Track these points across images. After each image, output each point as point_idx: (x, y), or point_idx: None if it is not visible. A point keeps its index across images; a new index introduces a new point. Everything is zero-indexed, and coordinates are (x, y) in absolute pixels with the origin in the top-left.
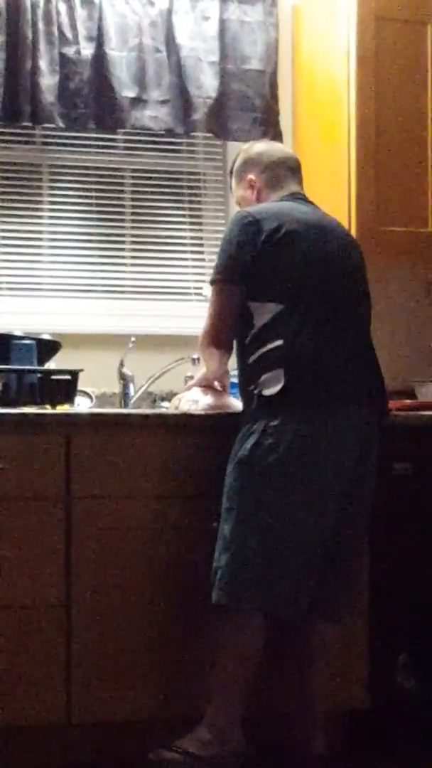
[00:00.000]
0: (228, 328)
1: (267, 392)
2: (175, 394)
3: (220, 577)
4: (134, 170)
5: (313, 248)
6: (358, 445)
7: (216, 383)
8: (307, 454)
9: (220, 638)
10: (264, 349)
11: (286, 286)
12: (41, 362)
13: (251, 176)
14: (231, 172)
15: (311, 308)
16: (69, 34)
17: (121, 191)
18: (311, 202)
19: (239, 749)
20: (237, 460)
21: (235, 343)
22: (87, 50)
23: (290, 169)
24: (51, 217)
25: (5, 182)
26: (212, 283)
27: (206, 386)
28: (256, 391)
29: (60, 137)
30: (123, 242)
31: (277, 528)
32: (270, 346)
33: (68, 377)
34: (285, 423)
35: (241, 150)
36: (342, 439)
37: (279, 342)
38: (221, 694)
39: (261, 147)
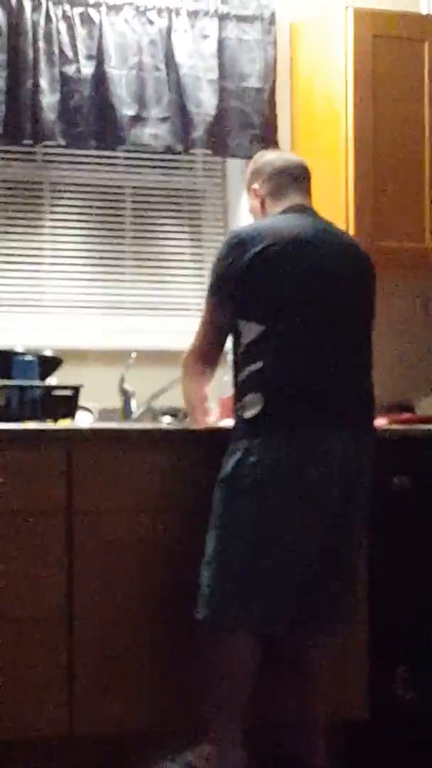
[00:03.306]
0: (213, 347)
1: (247, 415)
2: (176, 410)
3: (202, 594)
4: (134, 187)
5: (301, 267)
6: (346, 468)
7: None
8: (287, 473)
9: (215, 655)
10: (247, 371)
11: (267, 307)
12: (43, 378)
13: (255, 186)
14: None
15: (293, 330)
16: (69, 53)
17: (122, 208)
18: (314, 213)
19: (241, 763)
20: (221, 478)
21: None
22: (87, 69)
23: (293, 177)
24: (52, 234)
25: (6, 199)
26: (205, 302)
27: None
28: (239, 413)
29: (61, 155)
30: (123, 258)
31: (258, 546)
32: (253, 367)
33: (70, 393)
34: (266, 443)
35: (252, 160)
36: (325, 462)
37: (260, 364)
38: (221, 708)
39: (268, 156)
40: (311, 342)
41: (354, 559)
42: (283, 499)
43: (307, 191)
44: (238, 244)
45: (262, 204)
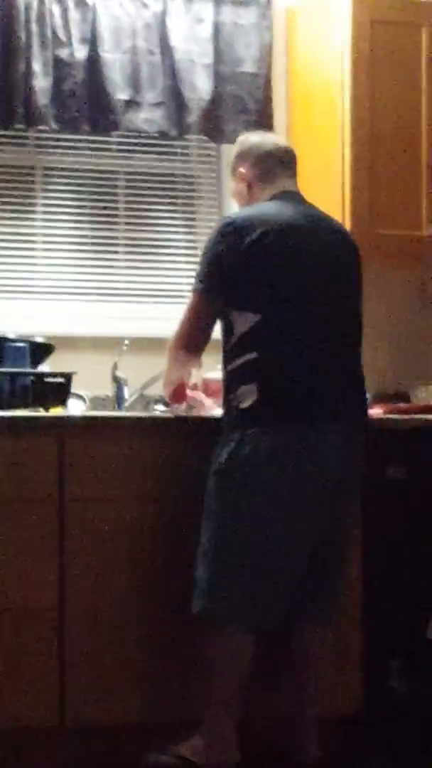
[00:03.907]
0: (200, 335)
1: (242, 405)
2: None
3: (198, 587)
4: (128, 173)
5: (295, 256)
6: (339, 460)
7: (182, 386)
8: (282, 464)
9: (209, 648)
10: (241, 360)
11: (263, 297)
12: (34, 365)
13: (242, 169)
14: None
15: (289, 320)
16: (63, 37)
17: (115, 194)
18: (303, 199)
19: (233, 756)
20: (214, 470)
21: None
22: (80, 52)
23: (281, 162)
24: (45, 220)
25: None
26: (193, 290)
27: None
28: (233, 403)
29: (54, 139)
30: (117, 245)
31: (253, 538)
32: (246, 357)
33: (61, 380)
34: (261, 434)
35: (236, 142)
36: (320, 453)
37: (254, 354)
38: (214, 702)
39: (253, 139)
40: (306, 332)
41: (345, 548)
42: (277, 491)
43: (294, 176)
44: (232, 232)
45: (249, 188)
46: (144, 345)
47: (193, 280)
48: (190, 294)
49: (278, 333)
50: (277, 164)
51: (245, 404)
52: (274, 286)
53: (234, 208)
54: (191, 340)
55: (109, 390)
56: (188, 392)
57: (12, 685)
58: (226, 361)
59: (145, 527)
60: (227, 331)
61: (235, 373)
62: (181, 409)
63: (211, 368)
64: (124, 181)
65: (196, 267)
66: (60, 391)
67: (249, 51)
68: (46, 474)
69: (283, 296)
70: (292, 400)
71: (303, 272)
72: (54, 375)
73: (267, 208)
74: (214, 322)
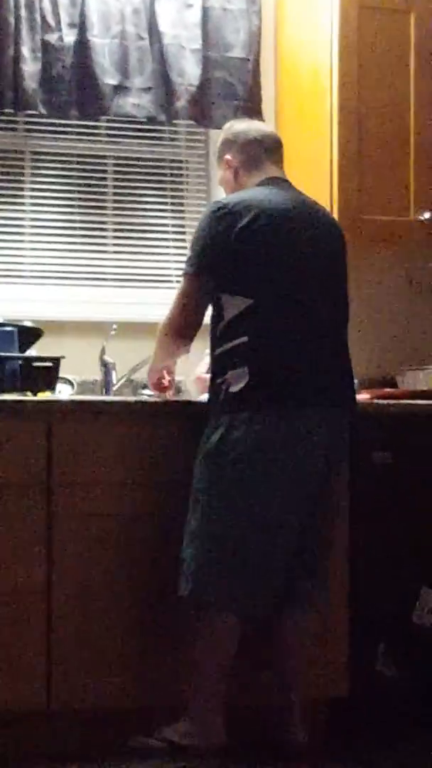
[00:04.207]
0: (191, 320)
1: (233, 389)
2: None
3: (185, 570)
4: (117, 158)
5: (287, 241)
6: (326, 444)
7: (165, 374)
8: (272, 448)
9: (195, 632)
10: (231, 344)
11: (255, 281)
12: (22, 349)
13: (228, 156)
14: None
15: (280, 304)
16: (51, 21)
17: (104, 179)
18: (290, 185)
19: (220, 739)
20: (203, 454)
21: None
22: (69, 37)
23: (267, 149)
24: (33, 204)
25: None
26: (183, 274)
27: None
28: (223, 387)
29: (42, 124)
30: (105, 230)
31: (242, 522)
32: (237, 341)
33: (50, 364)
34: (251, 417)
35: (222, 130)
36: (309, 438)
37: (245, 339)
38: (200, 685)
39: (239, 126)
40: (296, 316)
41: (332, 532)
42: (266, 475)
43: (281, 162)
44: (223, 217)
45: (235, 175)
46: (132, 329)
47: (183, 265)
48: (180, 279)
49: (269, 317)
50: (264, 151)
51: (235, 388)
52: (266, 271)
53: (221, 193)
54: (183, 326)
55: (97, 374)
56: (200, 376)
57: None
58: (215, 345)
59: (133, 511)
60: (216, 316)
61: (224, 357)
62: (165, 397)
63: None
64: (113, 166)
65: (187, 251)
66: (48, 376)
67: (238, 36)
68: (34, 458)
69: (274, 281)
70: (282, 385)
71: (294, 257)
72: (42, 359)
73: (257, 193)
74: (206, 307)
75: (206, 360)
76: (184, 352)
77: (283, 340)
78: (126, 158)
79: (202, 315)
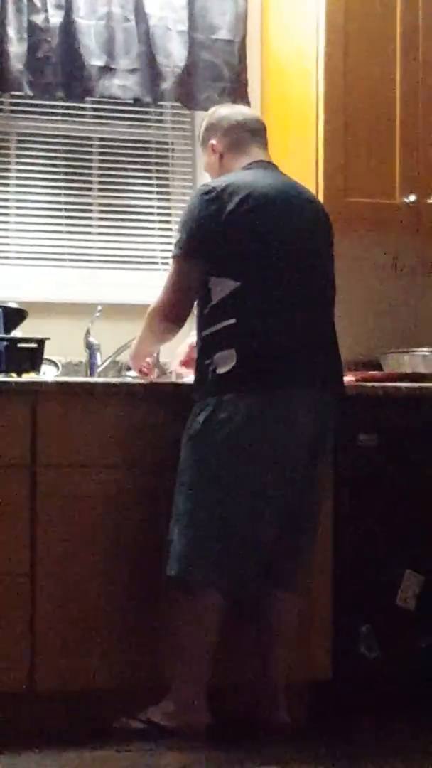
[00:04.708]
0: (182, 304)
1: (220, 371)
2: None
3: (171, 551)
4: (102, 139)
5: (274, 225)
6: (313, 426)
7: (148, 359)
8: (259, 429)
9: (178, 612)
10: (218, 326)
11: (244, 264)
12: (7, 330)
13: (213, 141)
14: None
15: (269, 287)
16: (38, 2)
17: (89, 160)
18: (276, 169)
19: (203, 721)
20: (189, 435)
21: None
22: (55, 18)
23: (252, 132)
24: (18, 186)
25: None
26: (173, 257)
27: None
28: (210, 368)
29: (28, 105)
30: (90, 211)
31: (228, 503)
32: (224, 323)
33: (34, 345)
34: (238, 399)
35: (206, 115)
36: (295, 419)
37: (232, 320)
38: (183, 666)
39: (222, 111)
40: (284, 299)
41: (317, 514)
42: (253, 455)
43: (265, 146)
44: (212, 199)
45: (221, 159)
46: (117, 311)
47: (172, 248)
48: (169, 262)
49: (257, 299)
50: (248, 134)
51: (222, 369)
52: (254, 253)
53: (206, 175)
54: (172, 309)
55: (82, 356)
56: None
57: None
58: (202, 327)
59: (118, 493)
60: (204, 298)
61: (211, 339)
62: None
63: None
64: (98, 148)
65: (175, 234)
66: (33, 357)
67: (224, 18)
68: (18, 440)
69: (261, 264)
70: (269, 366)
71: (281, 240)
72: (27, 341)
73: (244, 176)
74: (196, 290)
75: (187, 341)
76: (170, 338)
77: (271, 322)
78: (112, 140)
79: (192, 299)
